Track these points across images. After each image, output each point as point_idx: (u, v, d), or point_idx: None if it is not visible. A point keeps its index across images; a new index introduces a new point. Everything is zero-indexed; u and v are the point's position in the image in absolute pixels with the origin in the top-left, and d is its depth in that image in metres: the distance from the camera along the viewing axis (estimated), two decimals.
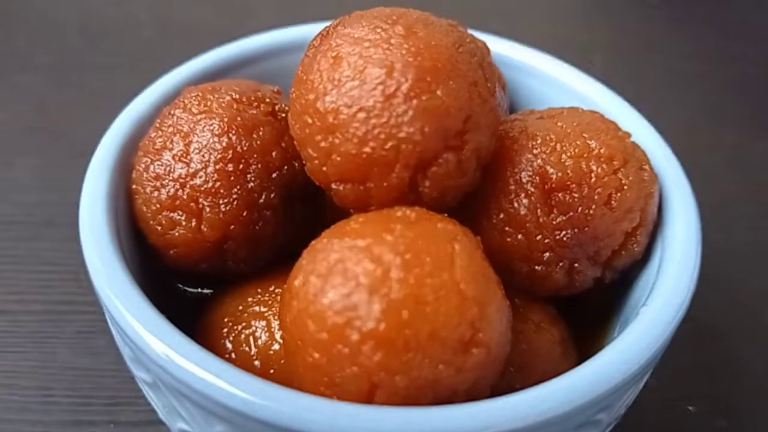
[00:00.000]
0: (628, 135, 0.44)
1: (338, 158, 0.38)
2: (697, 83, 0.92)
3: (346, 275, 0.34)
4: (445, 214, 0.39)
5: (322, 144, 0.38)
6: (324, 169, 0.39)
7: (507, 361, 0.38)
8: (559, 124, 0.43)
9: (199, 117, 0.42)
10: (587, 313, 0.47)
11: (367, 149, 0.37)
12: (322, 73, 0.38)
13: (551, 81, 0.54)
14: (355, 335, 0.34)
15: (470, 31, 0.52)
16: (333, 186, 0.39)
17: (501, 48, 0.55)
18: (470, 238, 0.38)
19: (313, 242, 0.38)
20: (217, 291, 0.46)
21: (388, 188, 0.38)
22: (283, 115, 0.44)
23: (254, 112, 0.43)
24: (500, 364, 0.37)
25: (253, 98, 0.44)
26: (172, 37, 0.97)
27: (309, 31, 0.54)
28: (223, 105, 0.42)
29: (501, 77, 0.52)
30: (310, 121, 0.39)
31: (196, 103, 0.43)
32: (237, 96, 0.43)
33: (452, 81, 0.37)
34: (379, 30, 0.38)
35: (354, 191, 0.39)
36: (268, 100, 0.44)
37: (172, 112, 0.44)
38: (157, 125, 0.44)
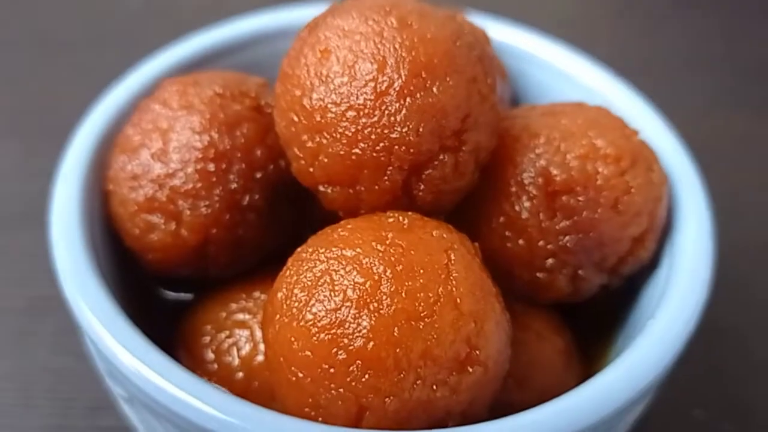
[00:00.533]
0: (636, 132, 0.41)
1: (326, 159, 0.35)
2: (714, 64, 0.88)
3: (333, 288, 0.32)
4: (441, 219, 0.37)
5: (309, 144, 0.36)
6: (311, 170, 0.36)
7: (507, 374, 0.35)
8: (563, 121, 0.40)
9: (179, 113, 0.40)
10: (590, 318, 0.44)
11: (356, 150, 0.34)
12: (309, 67, 0.36)
13: (555, 71, 0.51)
14: (342, 354, 0.31)
15: (470, 14, 0.49)
16: (320, 188, 0.37)
17: (503, 34, 0.52)
18: (467, 247, 0.35)
19: (298, 250, 0.35)
20: (199, 296, 0.43)
21: (380, 192, 0.35)
22: (269, 110, 0.41)
23: (237, 107, 0.40)
24: (498, 382, 0.34)
25: (237, 92, 0.41)
26: (161, 9, 0.93)
27: (301, 15, 0.51)
28: (205, 100, 0.40)
29: (501, 67, 0.49)
30: (296, 119, 0.36)
31: (177, 97, 0.40)
32: (220, 90, 0.40)
33: (449, 77, 0.35)
34: (370, 22, 0.35)
35: (343, 194, 0.36)
36: (253, 94, 0.41)
37: (151, 106, 0.41)
38: (135, 121, 0.41)
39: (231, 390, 0.39)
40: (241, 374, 0.39)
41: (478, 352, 0.32)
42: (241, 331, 0.40)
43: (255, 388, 0.39)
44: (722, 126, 0.79)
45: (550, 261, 0.39)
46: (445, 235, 0.34)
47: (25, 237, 0.64)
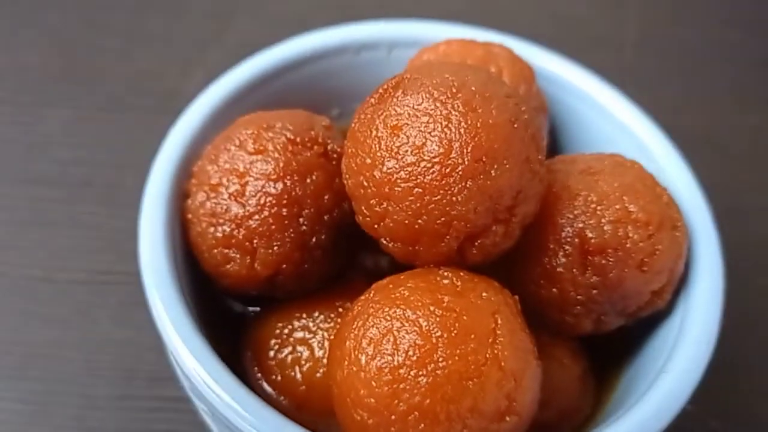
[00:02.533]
0: (665, 192, 0.46)
1: (391, 224, 0.40)
2: (731, 54, 0.90)
3: (397, 347, 0.37)
4: (486, 274, 0.42)
5: (377, 208, 0.40)
6: (375, 227, 0.41)
7: None
8: (600, 183, 0.44)
9: (254, 157, 0.44)
10: (605, 346, 0.50)
11: (419, 221, 0.39)
12: (380, 141, 0.40)
13: (593, 104, 0.54)
14: (402, 406, 0.37)
15: (517, 42, 0.52)
16: (382, 241, 0.42)
17: (546, 63, 0.55)
18: (510, 307, 0.40)
19: (363, 300, 0.41)
20: (264, 310, 0.49)
21: (437, 254, 0.40)
22: (335, 156, 0.45)
23: (308, 154, 0.44)
24: (528, 424, 0.40)
25: (306, 139, 0.45)
26: None
27: (355, 32, 0.55)
28: (279, 147, 0.44)
29: (543, 102, 0.53)
30: (366, 183, 0.40)
31: (251, 141, 0.44)
32: (291, 136, 0.44)
33: (506, 160, 0.39)
34: (438, 104, 0.39)
35: (403, 250, 0.41)
36: (320, 140, 0.45)
37: (228, 147, 0.45)
38: (212, 158, 0.45)
39: (293, 399, 0.46)
40: (303, 387, 0.45)
41: (515, 404, 0.38)
42: (302, 348, 0.46)
43: (315, 398, 0.45)
44: (734, 120, 0.83)
45: (578, 308, 0.44)
46: (492, 298, 0.40)
47: (83, 208, 0.69)
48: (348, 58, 0.57)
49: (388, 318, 0.38)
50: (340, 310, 0.47)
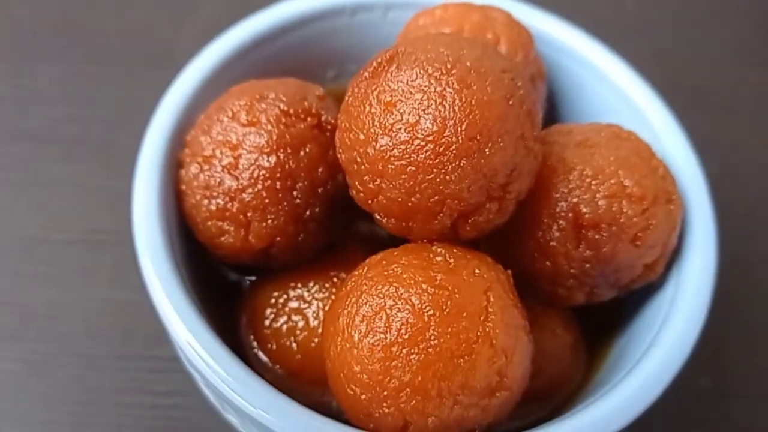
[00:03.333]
0: (661, 164, 0.45)
1: (384, 200, 0.40)
2: (735, 8, 0.89)
3: (390, 325, 0.38)
4: (479, 248, 0.42)
5: (370, 185, 0.40)
6: (369, 202, 0.41)
7: None
8: (596, 156, 0.44)
9: (247, 129, 0.43)
10: (598, 314, 0.50)
11: (413, 199, 0.39)
12: (374, 117, 0.39)
13: (592, 69, 0.53)
14: (394, 383, 0.37)
15: (516, 4, 0.51)
16: (376, 215, 0.42)
17: (545, 26, 0.54)
18: (503, 283, 0.40)
19: (357, 273, 0.41)
20: (259, 279, 0.49)
21: (430, 230, 0.40)
22: (329, 127, 0.45)
23: (301, 126, 0.44)
24: (519, 396, 0.41)
25: (299, 110, 0.44)
26: None
27: None
28: (272, 119, 0.43)
29: (542, 69, 0.52)
30: (359, 159, 0.40)
31: (244, 112, 0.44)
32: (284, 107, 0.44)
33: (501, 138, 0.38)
34: (433, 81, 0.38)
35: (397, 225, 0.41)
36: (314, 111, 0.45)
37: (220, 117, 0.44)
38: (205, 128, 0.45)
39: (289, 368, 0.46)
40: (298, 356, 0.46)
41: (506, 379, 0.39)
42: (297, 317, 0.47)
43: (310, 368, 0.46)
44: (735, 77, 0.82)
45: (571, 281, 0.44)
46: (485, 275, 0.40)
47: (77, 167, 0.69)
48: (343, 20, 0.55)
49: (381, 296, 0.39)
50: (335, 280, 0.47)
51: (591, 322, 0.50)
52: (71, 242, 0.64)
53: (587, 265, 0.43)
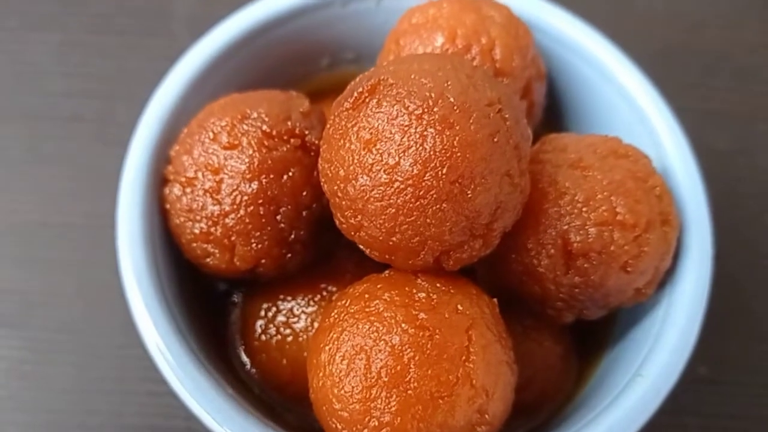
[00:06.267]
0: (659, 182, 0.44)
1: (366, 236, 0.39)
2: None
3: (369, 367, 0.38)
4: (465, 278, 0.41)
5: (351, 220, 0.39)
6: (352, 234, 0.40)
7: None
8: (588, 179, 0.42)
9: (228, 153, 0.42)
10: (588, 324, 0.50)
11: (394, 239, 0.38)
12: (353, 154, 0.38)
13: (596, 65, 0.51)
14: (374, 422, 0.38)
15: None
16: (360, 246, 0.41)
17: (547, 18, 0.52)
18: (486, 318, 0.40)
19: (340, 305, 0.41)
20: (250, 290, 0.49)
21: (413, 265, 0.40)
22: (314, 147, 0.43)
23: (284, 149, 0.43)
24: (502, 424, 0.41)
25: (283, 131, 0.43)
26: None
27: None
28: (254, 142, 0.42)
29: (541, 69, 0.50)
30: (340, 194, 0.39)
31: (225, 134, 0.43)
32: (267, 129, 0.43)
33: (484, 179, 0.37)
34: (414, 120, 0.37)
35: (380, 257, 0.40)
36: (298, 131, 0.43)
37: (202, 138, 0.43)
38: (188, 146, 0.44)
39: (278, 380, 0.47)
40: (288, 370, 0.47)
41: (487, 415, 0.39)
42: (286, 330, 0.47)
43: (299, 381, 0.46)
44: (756, 39, 0.77)
45: (559, 303, 0.44)
46: (468, 312, 0.39)
47: (74, 145, 0.68)
48: (335, 10, 0.53)
49: (362, 335, 0.39)
50: (325, 293, 0.47)
51: (584, 331, 0.50)
52: (72, 226, 0.64)
53: (576, 290, 0.43)
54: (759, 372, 0.61)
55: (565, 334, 0.49)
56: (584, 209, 0.42)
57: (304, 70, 0.56)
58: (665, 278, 0.45)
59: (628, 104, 0.50)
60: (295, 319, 0.47)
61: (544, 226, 0.42)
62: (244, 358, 0.48)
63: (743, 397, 0.60)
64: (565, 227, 0.42)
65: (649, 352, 0.43)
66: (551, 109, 0.53)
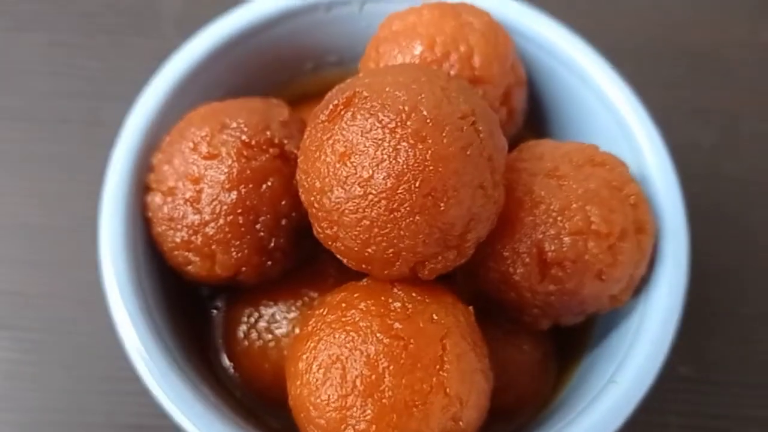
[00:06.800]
0: (635, 190, 0.44)
1: (342, 247, 0.40)
2: None
3: (345, 377, 0.39)
4: (441, 287, 0.42)
5: (328, 231, 0.40)
6: (329, 244, 0.41)
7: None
8: (564, 189, 0.43)
9: (208, 162, 0.43)
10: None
11: (369, 250, 0.39)
12: (328, 166, 0.38)
13: (576, 70, 0.51)
14: (350, 430, 0.39)
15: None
16: (337, 255, 0.41)
17: (528, 22, 0.52)
18: (461, 326, 0.41)
19: (318, 314, 0.41)
20: (232, 296, 0.50)
21: (389, 274, 0.40)
22: (293, 156, 0.44)
23: (263, 158, 0.43)
24: (477, 431, 0.42)
25: (262, 141, 0.43)
26: None
27: None
28: (233, 152, 0.43)
29: (522, 75, 0.50)
30: (316, 206, 0.40)
31: (205, 144, 0.43)
32: (246, 138, 0.43)
33: (457, 191, 0.37)
34: (387, 133, 0.37)
35: (357, 266, 0.41)
36: (276, 141, 0.44)
37: (182, 148, 0.44)
38: (168, 156, 0.45)
39: (260, 386, 0.48)
40: (269, 375, 0.47)
41: (461, 422, 0.40)
42: (268, 335, 0.48)
43: (280, 383, 0.47)
44: (744, 38, 0.77)
45: (535, 310, 0.44)
46: (443, 321, 0.40)
47: (61, 149, 0.68)
48: (319, 15, 0.53)
49: (338, 345, 0.39)
50: (307, 299, 0.48)
51: (562, 335, 0.50)
52: (58, 227, 0.65)
53: (552, 298, 0.43)
54: (740, 372, 0.62)
55: (544, 339, 0.50)
56: (559, 218, 0.42)
57: (288, 74, 0.57)
58: (641, 285, 0.46)
59: (608, 110, 0.50)
60: (277, 325, 0.48)
61: (520, 235, 0.43)
62: (227, 363, 0.49)
63: (725, 396, 0.61)
64: (540, 236, 0.42)
65: (624, 359, 0.44)
66: (533, 113, 0.54)
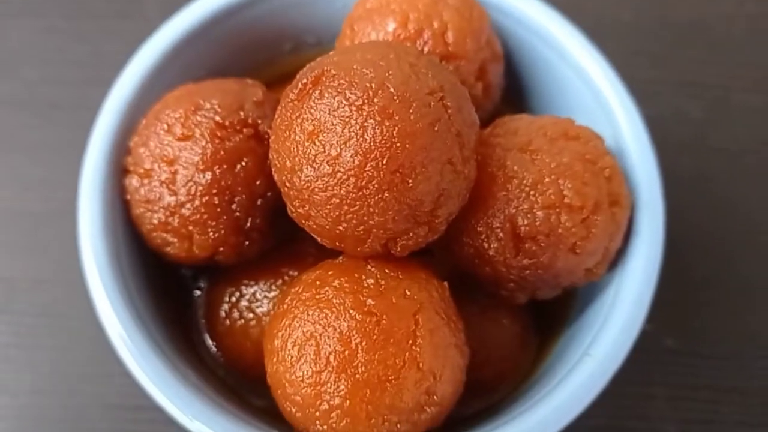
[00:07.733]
0: (609, 163, 0.44)
1: (314, 225, 0.40)
2: None
3: (319, 353, 0.39)
4: (415, 263, 0.42)
5: (300, 210, 0.40)
6: (303, 222, 0.41)
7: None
8: (537, 163, 0.43)
9: (182, 144, 0.43)
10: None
11: (340, 228, 0.39)
12: (298, 145, 0.39)
13: (552, 44, 0.51)
14: (324, 405, 0.39)
15: None
16: (311, 234, 0.42)
17: None
18: (435, 302, 0.41)
19: (294, 292, 0.42)
20: (214, 276, 0.51)
21: (361, 252, 0.41)
22: (267, 136, 0.44)
23: (237, 139, 0.43)
24: (453, 404, 0.42)
25: (236, 121, 0.44)
26: None
27: None
28: (206, 133, 0.43)
29: (498, 51, 0.50)
30: (288, 185, 0.40)
31: (179, 125, 0.44)
32: (220, 119, 0.43)
33: (425, 168, 0.38)
34: (354, 111, 0.37)
35: (330, 244, 0.41)
36: (250, 121, 0.44)
37: (157, 130, 0.44)
38: (144, 138, 0.45)
39: (244, 359, 0.48)
40: (251, 353, 0.48)
41: (435, 397, 0.40)
42: (249, 314, 0.48)
43: (262, 361, 0.48)
44: (734, 8, 0.77)
45: (511, 284, 0.45)
46: (416, 296, 0.40)
47: (51, 134, 0.69)
48: None
49: (312, 321, 0.40)
50: (287, 277, 0.48)
51: (542, 309, 0.51)
52: (50, 212, 0.65)
53: (526, 272, 0.44)
54: (725, 344, 0.62)
55: (523, 313, 0.50)
56: (532, 193, 0.42)
57: (267, 55, 0.57)
58: (617, 258, 0.46)
59: (586, 84, 0.50)
60: (258, 304, 0.48)
61: (493, 210, 0.43)
62: (209, 343, 0.50)
63: (709, 369, 0.61)
64: (513, 211, 0.42)
65: (599, 331, 0.44)
66: (512, 89, 0.54)
